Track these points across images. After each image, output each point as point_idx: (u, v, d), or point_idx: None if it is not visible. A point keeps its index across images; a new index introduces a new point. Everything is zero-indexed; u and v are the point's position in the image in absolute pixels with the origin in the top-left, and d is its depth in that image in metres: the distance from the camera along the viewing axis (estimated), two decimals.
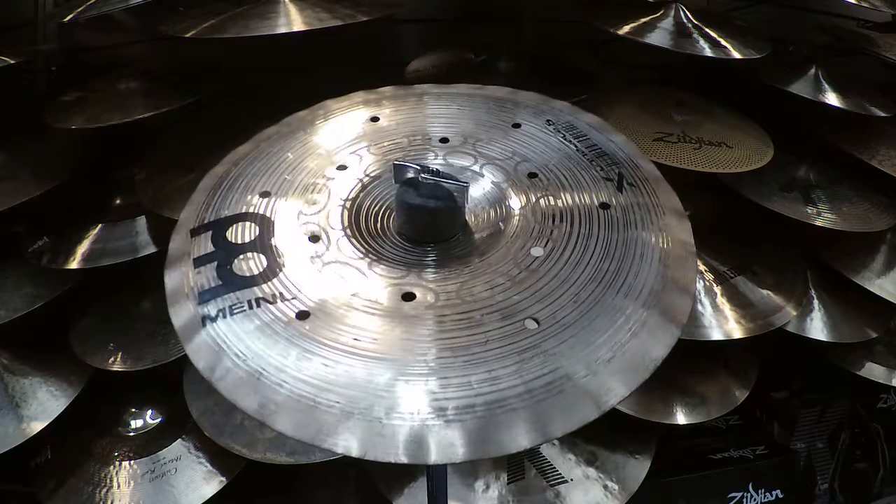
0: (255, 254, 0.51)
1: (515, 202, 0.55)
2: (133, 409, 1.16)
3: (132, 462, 1.08)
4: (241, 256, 0.51)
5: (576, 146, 0.60)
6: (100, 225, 1.13)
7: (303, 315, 0.46)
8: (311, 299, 0.48)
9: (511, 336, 0.44)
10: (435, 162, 0.60)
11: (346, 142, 0.63)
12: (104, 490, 1.05)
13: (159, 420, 1.15)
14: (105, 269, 1.07)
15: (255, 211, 0.55)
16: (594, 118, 0.64)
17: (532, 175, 0.57)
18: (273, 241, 0.52)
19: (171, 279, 0.52)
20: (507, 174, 0.58)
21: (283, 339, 0.45)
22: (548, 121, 0.63)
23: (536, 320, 0.45)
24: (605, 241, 0.50)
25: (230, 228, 0.54)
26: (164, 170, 1.12)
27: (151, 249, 1.09)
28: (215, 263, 0.51)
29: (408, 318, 0.46)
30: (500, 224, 0.54)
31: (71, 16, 1.02)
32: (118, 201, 1.18)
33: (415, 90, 0.69)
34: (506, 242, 0.52)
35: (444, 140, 0.62)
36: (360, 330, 0.45)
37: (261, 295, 0.48)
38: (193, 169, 1.03)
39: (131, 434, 1.14)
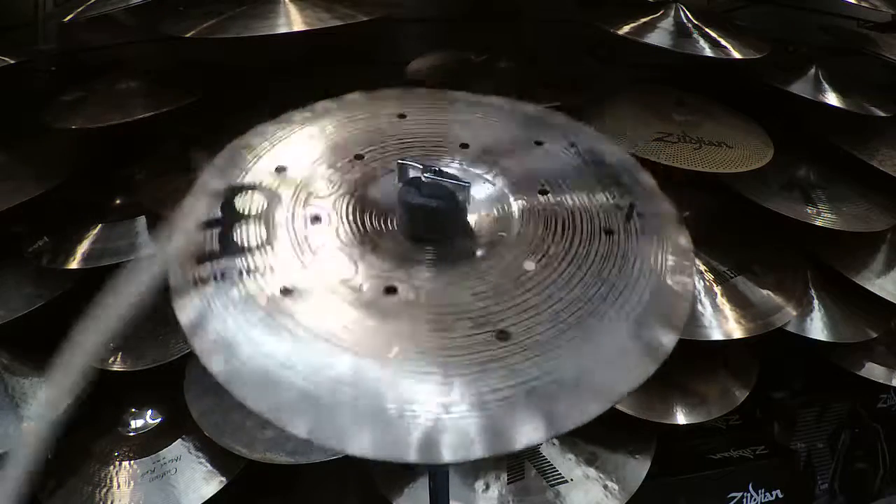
0: (257, 226, 0.52)
1: (519, 214, 0.56)
2: (133, 409, 1.16)
3: (132, 462, 1.08)
4: (244, 226, 0.52)
5: (593, 170, 0.60)
6: (100, 225, 1.13)
7: (285, 292, 0.47)
8: (297, 278, 0.48)
9: (477, 345, 0.44)
10: (450, 166, 0.60)
11: (368, 133, 0.63)
12: (104, 490, 1.05)
13: (159, 420, 1.15)
14: (105, 269, 1.07)
15: (268, 184, 0.56)
16: (620, 150, 0.64)
17: (543, 191, 0.58)
18: (276, 217, 0.53)
19: (178, 239, 0.53)
20: (518, 186, 0.58)
21: (262, 311, 0.46)
22: (571, 143, 0.63)
23: (509, 333, 0.44)
24: (600, 267, 0.50)
25: (240, 197, 0.55)
26: (164, 170, 1.12)
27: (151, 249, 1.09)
28: (219, 229, 0.52)
29: (383, 311, 0.46)
30: (500, 233, 0.54)
31: (71, 16, 1.02)
32: (118, 201, 1.18)
33: (448, 95, 0.70)
34: (500, 251, 0.52)
35: (464, 146, 0.63)
36: (335, 316, 0.46)
37: (252, 266, 0.49)
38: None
39: (131, 434, 1.13)
